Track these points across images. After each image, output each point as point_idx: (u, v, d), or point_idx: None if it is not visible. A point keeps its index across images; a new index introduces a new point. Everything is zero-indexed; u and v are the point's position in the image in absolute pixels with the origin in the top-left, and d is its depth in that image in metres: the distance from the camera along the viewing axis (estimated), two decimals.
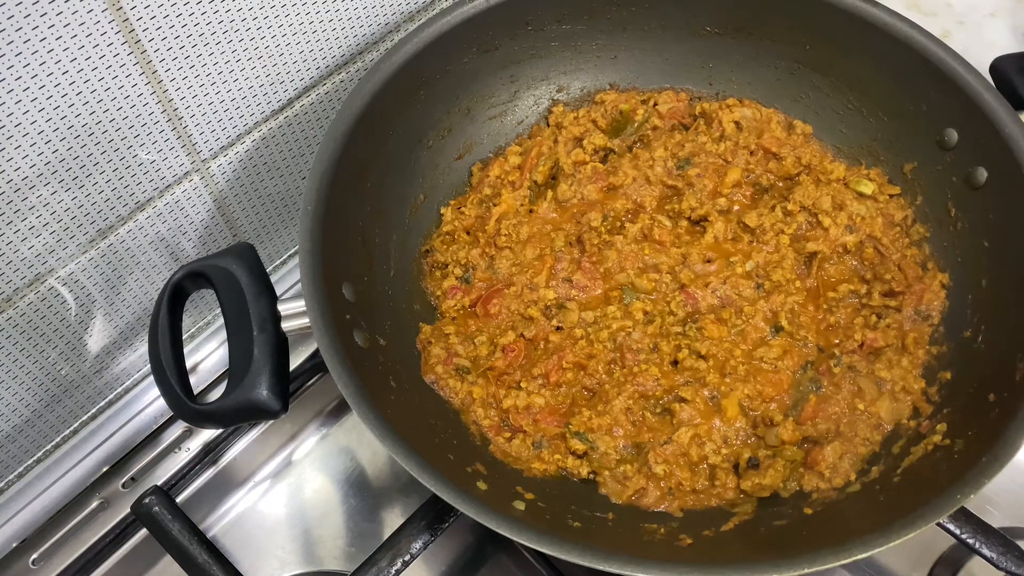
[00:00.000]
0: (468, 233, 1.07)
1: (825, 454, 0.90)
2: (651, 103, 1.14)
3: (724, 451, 0.92)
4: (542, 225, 1.07)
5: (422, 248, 1.06)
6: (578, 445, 0.92)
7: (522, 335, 0.98)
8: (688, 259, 1.03)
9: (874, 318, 0.99)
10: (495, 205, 1.07)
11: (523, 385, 0.96)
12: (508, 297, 1.01)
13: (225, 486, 1.07)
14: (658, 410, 0.96)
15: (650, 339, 0.98)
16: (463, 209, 1.08)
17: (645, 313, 1.00)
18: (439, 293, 1.03)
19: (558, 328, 0.99)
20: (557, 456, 0.92)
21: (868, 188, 1.05)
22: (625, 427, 0.94)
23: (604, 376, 0.97)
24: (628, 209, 1.07)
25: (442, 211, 1.08)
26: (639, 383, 0.96)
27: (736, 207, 1.07)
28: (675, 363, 0.97)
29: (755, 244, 1.04)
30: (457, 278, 1.04)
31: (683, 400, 0.95)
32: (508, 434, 0.94)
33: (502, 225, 1.06)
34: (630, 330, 0.98)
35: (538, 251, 1.04)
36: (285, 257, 1.17)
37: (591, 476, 0.92)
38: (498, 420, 0.95)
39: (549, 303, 1.01)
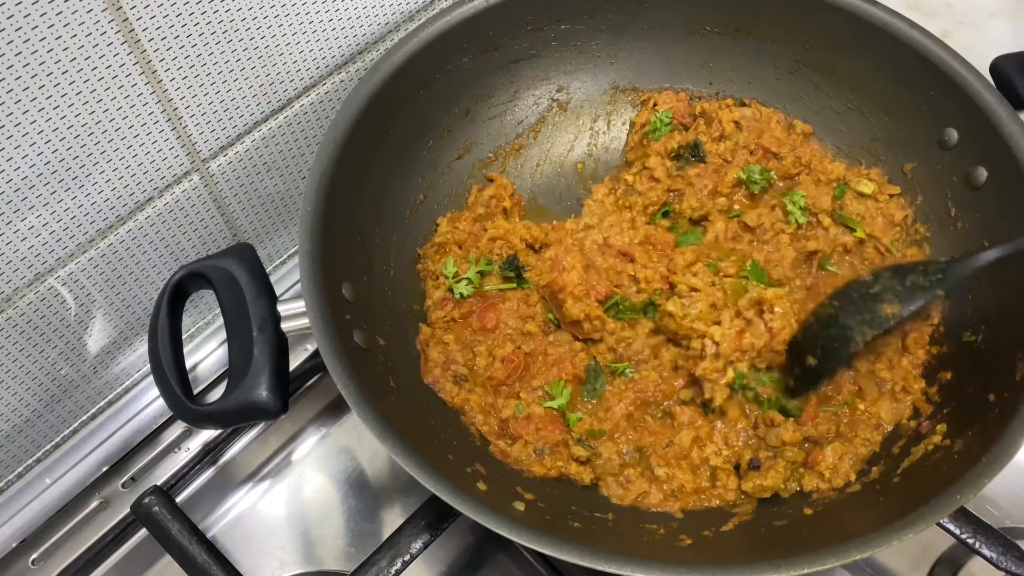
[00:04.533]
0: (460, 247, 1.05)
1: (825, 454, 0.90)
2: (651, 103, 1.14)
3: (725, 452, 0.92)
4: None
5: (417, 251, 1.05)
6: (581, 452, 0.92)
7: (520, 347, 0.98)
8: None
9: None
10: (490, 222, 1.06)
11: (522, 396, 0.96)
12: (505, 312, 1.01)
13: (225, 486, 1.07)
14: (659, 414, 0.96)
15: (650, 349, 0.98)
16: (458, 224, 1.07)
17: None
18: (429, 303, 1.02)
19: (556, 343, 0.99)
20: (559, 463, 0.92)
21: (868, 188, 1.05)
22: (626, 432, 0.94)
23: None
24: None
25: (438, 221, 1.07)
26: (639, 389, 0.96)
27: (736, 206, 1.07)
28: (676, 368, 0.97)
29: (755, 244, 1.04)
30: (448, 289, 1.02)
31: (684, 403, 0.95)
32: (509, 441, 0.94)
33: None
34: (630, 341, 0.98)
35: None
36: (285, 257, 1.17)
37: (593, 483, 0.92)
38: (498, 427, 0.95)
39: (548, 320, 1.01)
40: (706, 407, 0.94)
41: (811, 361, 0.91)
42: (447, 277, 1.02)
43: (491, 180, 1.11)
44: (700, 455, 0.92)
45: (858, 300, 0.90)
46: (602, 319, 0.97)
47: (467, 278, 1.01)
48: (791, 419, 0.93)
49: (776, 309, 0.91)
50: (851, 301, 0.91)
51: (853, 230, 1.03)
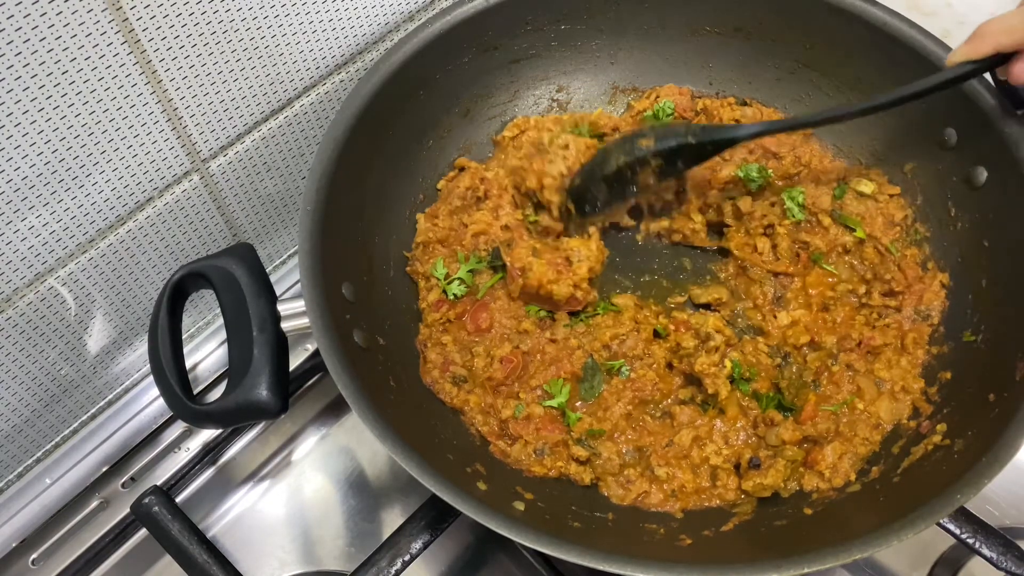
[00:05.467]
0: (443, 245, 1.04)
1: (825, 454, 0.90)
2: (654, 96, 1.14)
3: (725, 452, 0.92)
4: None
5: (404, 254, 1.04)
6: (581, 452, 0.92)
7: (517, 347, 0.98)
8: None
9: (875, 316, 0.99)
10: (467, 215, 1.05)
11: (521, 396, 0.96)
12: (497, 312, 1.01)
13: (225, 486, 1.07)
14: (658, 414, 0.96)
15: (644, 344, 0.98)
16: (437, 221, 1.06)
17: (636, 321, 1.00)
18: (424, 305, 1.02)
19: (552, 341, 0.99)
20: (559, 463, 0.92)
21: (868, 188, 1.05)
22: (626, 432, 0.94)
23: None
24: None
25: (417, 217, 1.06)
26: (637, 388, 0.96)
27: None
28: (670, 366, 0.97)
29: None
30: (442, 291, 1.01)
31: (683, 402, 0.95)
32: (509, 441, 0.94)
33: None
34: (623, 337, 0.98)
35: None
36: (285, 257, 1.17)
37: (593, 483, 0.92)
38: (497, 428, 0.95)
39: (542, 316, 1.01)
40: (705, 405, 0.95)
41: (576, 181, 1.00)
42: (439, 279, 1.01)
43: (462, 168, 1.09)
44: (700, 454, 0.92)
45: (628, 137, 1.00)
46: (586, 282, 0.99)
47: (459, 278, 1.01)
48: (790, 418, 0.93)
49: (570, 148, 1.01)
50: (622, 139, 1.01)
51: (853, 230, 1.03)
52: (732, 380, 0.94)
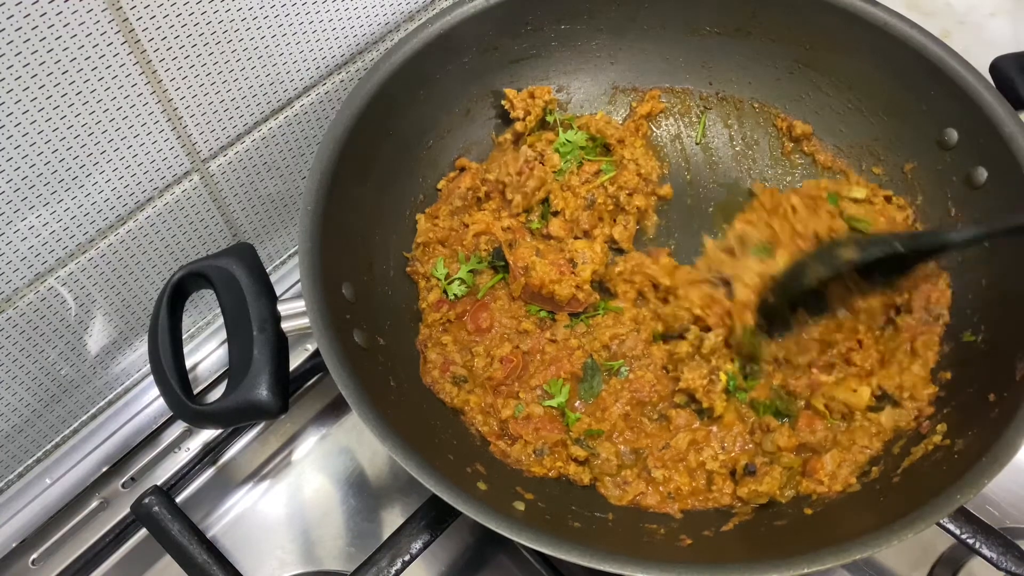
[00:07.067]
0: (443, 245, 1.04)
1: (824, 462, 0.89)
2: (658, 96, 1.13)
3: (722, 457, 0.92)
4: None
5: (404, 255, 1.04)
6: (579, 452, 0.92)
7: (517, 347, 0.98)
8: None
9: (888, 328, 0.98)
10: (468, 216, 1.05)
11: (521, 396, 0.96)
12: (497, 311, 1.01)
13: (225, 486, 1.07)
14: (655, 416, 0.96)
15: (643, 345, 0.98)
16: (437, 221, 1.05)
17: (636, 322, 1.00)
18: (424, 306, 1.01)
19: (552, 341, 0.99)
20: (559, 464, 0.92)
21: (860, 192, 1.04)
22: (624, 432, 0.94)
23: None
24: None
25: (416, 218, 1.06)
26: (634, 389, 0.96)
27: None
28: (666, 369, 0.97)
29: None
30: (443, 292, 1.01)
31: (679, 406, 0.95)
32: (509, 441, 0.94)
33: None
34: (623, 338, 0.98)
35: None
36: (285, 257, 1.17)
37: (592, 483, 0.92)
38: (497, 428, 0.95)
39: (542, 316, 1.01)
40: (702, 412, 0.94)
41: (770, 299, 0.94)
42: (440, 279, 1.01)
43: (462, 168, 1.09)
44: (696, 459, 0.92)
45: (826, 247, 0.94)
46: (588, 284, 0.99)
47: (459, 278, 1.01)
48: (786, 424, 0.93)
49: None
50: (819, 250, 0.94)
51: (860, 231, 1.02)
52: (728, 391, 0.93)
